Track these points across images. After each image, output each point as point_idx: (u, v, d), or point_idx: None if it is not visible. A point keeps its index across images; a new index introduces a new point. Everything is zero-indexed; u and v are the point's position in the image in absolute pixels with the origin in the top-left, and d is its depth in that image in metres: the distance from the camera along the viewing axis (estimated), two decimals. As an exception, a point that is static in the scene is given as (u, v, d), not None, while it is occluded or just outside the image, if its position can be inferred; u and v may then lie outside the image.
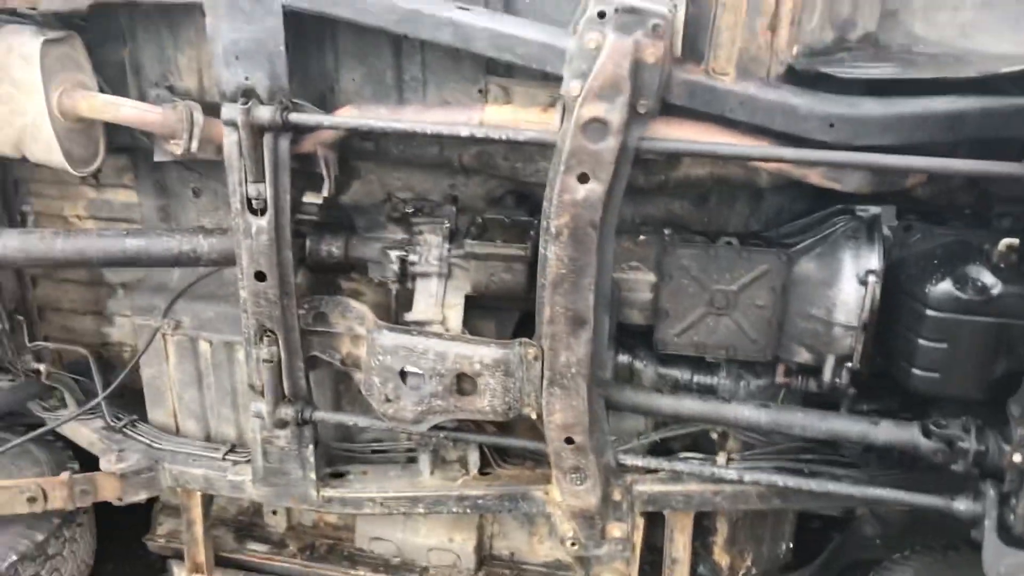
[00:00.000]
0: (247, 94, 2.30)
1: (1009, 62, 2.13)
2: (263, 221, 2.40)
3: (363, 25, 2.26)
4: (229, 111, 2.29)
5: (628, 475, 2.56)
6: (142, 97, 2.60)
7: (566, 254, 2.22)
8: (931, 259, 2.35)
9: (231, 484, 2.85)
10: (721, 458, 2.55)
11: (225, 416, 3.02)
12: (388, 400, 2.50)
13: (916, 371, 2.33)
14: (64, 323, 3.35)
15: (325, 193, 2.49)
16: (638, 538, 2.63)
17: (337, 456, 2.92)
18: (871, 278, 2.31)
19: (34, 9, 2.33)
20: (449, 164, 2.60)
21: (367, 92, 2.50)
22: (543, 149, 2.46)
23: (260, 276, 2.46)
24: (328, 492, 2.77)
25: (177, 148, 2.46)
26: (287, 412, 2.62)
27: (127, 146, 2.75)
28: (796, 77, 2.21)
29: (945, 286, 2.26)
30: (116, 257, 2.62)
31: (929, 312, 2.27)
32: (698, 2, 2.11)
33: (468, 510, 2.71)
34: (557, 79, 2.22)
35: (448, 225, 2.54)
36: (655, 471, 2.57)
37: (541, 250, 2.26)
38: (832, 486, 2.41)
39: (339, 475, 2.83)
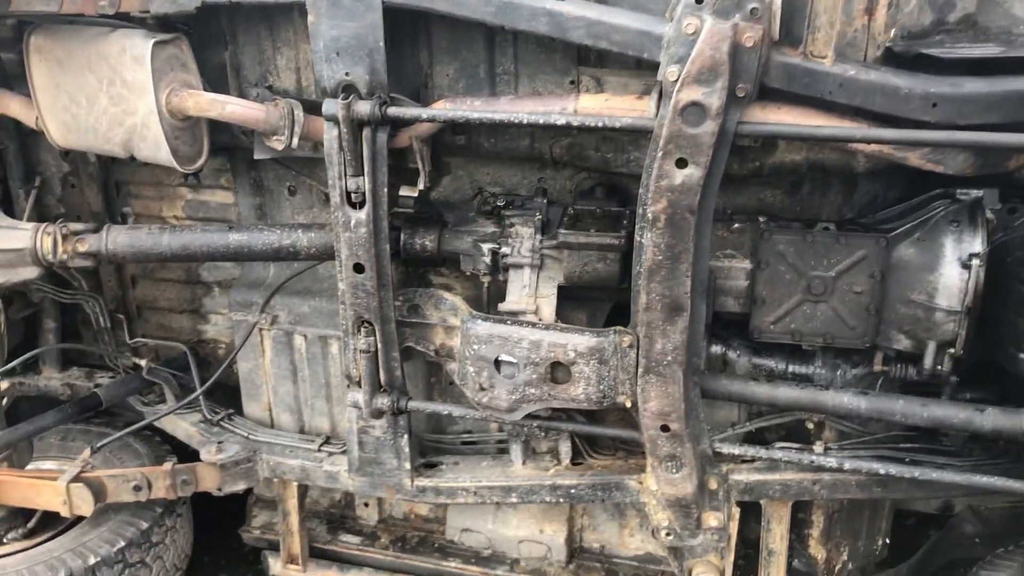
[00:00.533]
0: (347, 89, 2.37)
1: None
2: (362, 214, 2.46)
3: (458, 18, 2.31)
4: (330, 106, 2.36)
5: (724, 464, 2.55)
6: (243, 96, 2.68)
7: (663, 241, 2.23)
8: (1037, 242, 2.30)
9: (327, 474, 2.92)
10: (818, 447, 2.52)
11: (319, 409, 3.09)
12: (482, 389, 2.53)
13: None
14: (161, 321, 3.48)
15: (421, 186, 2.54)
16: (733, 529, 2.59)
17: (428, 447, 2.96)
18: (975, 261, 2.27)
19: (146, 12, 2.43)
20: (539, 157, 2.64)
21: (460, 86, 2.55)
22: (635, 139, 2.49)
23: (359, 268, 2.52)
24: (422, 482, 2.81)
25: (279, 144, 2.54)
26: (383, 402, 2.67)
27: (227, 145, 2.85)
28: (895, 59, 2.19)
29: (1056, 268, 2.21)
30: (219, 252, 2.71)
31: (1038, 295, 2.23)
32: (795, -14, 2.12)
33: (561, 499, 2.72)
34: (650, 67, 2.24)
35: (540, 217, 2.57)
36: (751, 460, 2.56)
37: (637, 237, 2.27)
38: (936, 474, 2.37)
39: (432, 465, 2.87)
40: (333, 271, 2.97)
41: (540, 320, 2.51)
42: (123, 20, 2.53)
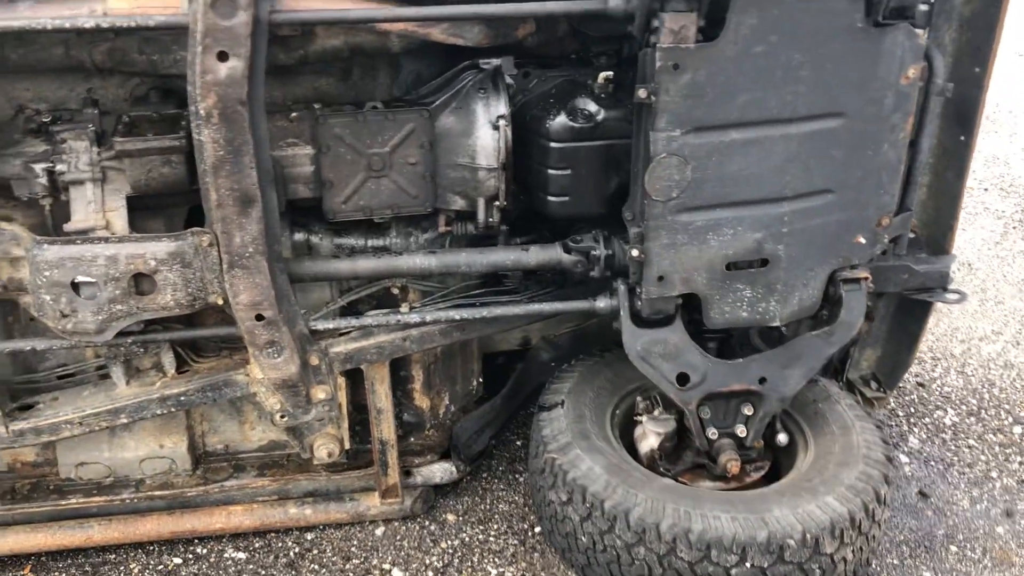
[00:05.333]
0: None
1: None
2: None
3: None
4: None
5: (323, 340, 2.73)
6: None
7: (221, 136, 2.28)
8: (548, 99, 2.70)
9: (-101, 447, 2.65)
10: (404, 307, 2.79)
11: None
12: (64, 316, 2.44)
13: (550, 198, 2.71)
14: None
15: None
16: (343, 398, 2.80)
17: (20, 391, 2.80)
18: (502, 123, 2.62)
19: None
20: (81, 66, 2.52)
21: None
22: (179, 38, 2.47)
23: None
24: (18, 425, 2.67)
25: None
26: (-50, 351, 2.47)
27: None
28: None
29: (561, 119, 2.62)
30: None
31: (552, 144, 2.63)
32: None
33: (172, 409, 2.74)
34: None
35: (93, 128, 2.48)
36: (347, 332, 2.77)
37: (195, 136, 2.30)
38: (500, 310, 2.75)
39: (28, 407, 2.73)
40: None
41: (113, 235, 2.46)
42: None
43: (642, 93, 2.34)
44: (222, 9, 2.15)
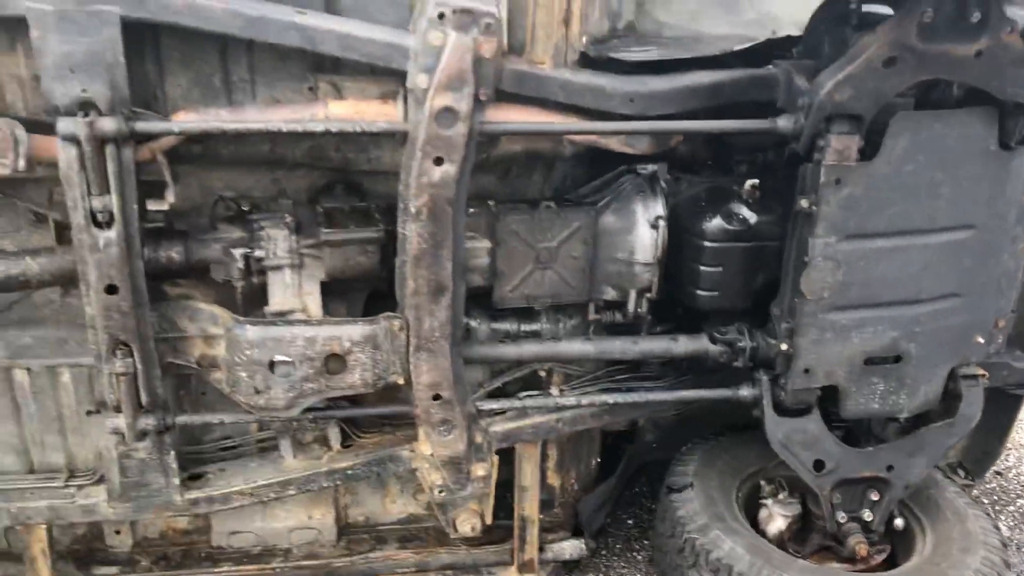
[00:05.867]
0: (85, 106, 2.28)
1: (733, 41, 2.74)
2: (112, 233, 2.38)
3: (206, 32, 2.33)
4: (68, 125, 2.25)
5: (483, 419, 2.89)
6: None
7: (427, 230, 2.49)
8: (699, 203, 2.93)
9: (82, 509, 2.77)
10: (555, 390, 2.97)
11: (52, 444, 2.89)
12: (258, 392, 2.60)
13: (701, 292, 2.92)
14: None
15: (171, 199, 2.51)
16: (494, 474, 2.96)
17: (187, 461, 2.93)
18: (660, 222, 2.84)
19: None
20: (279, 161, 2.73)
21: (195, 96, 2.55)
22: (376, 139, 2.68)
23: (111, 289, 2.44)
24: (192, 494, 2.79)
25: (2, 167, 2.34)
26: (147, 422, 2.62)
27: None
28: (590, 63, 2.65)
29: (717, 222, 2.85)
30: (-66, 290, 2.43)
31: (707, 244, 2.86)
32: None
33: (338, 482, 2.88)
34: (388, 74, 2.49)
35: (291, 218, 2.67)
36: (503, 412, 2.94)
37: (400, 229, 2.51)
38: (651, 396, 2.94)
39: (197, 477, 2.86)
40: (52, 297, 2.82)
41: (310, 317, 2.63)
42: None
43: (804, 203, 2.58)
44: (444, 120, 2.38)
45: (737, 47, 2.70)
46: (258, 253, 2.65)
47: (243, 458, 2.95)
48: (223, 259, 2.67)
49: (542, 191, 3.03)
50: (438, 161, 2.42)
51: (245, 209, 2.73)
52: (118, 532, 3.08)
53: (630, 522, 3.67)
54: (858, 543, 2.97)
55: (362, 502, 3.20)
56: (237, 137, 2.61)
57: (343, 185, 2.83)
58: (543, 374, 3.05)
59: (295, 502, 3.08)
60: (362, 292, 2.85)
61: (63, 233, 2.77)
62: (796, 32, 2.73)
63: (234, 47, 2.52)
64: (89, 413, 2.87)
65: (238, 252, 2.65)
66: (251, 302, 2.74)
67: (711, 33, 3.02)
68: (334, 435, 2.91)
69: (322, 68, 2.59)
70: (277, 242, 2.65)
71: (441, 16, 2.32)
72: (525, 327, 3.00)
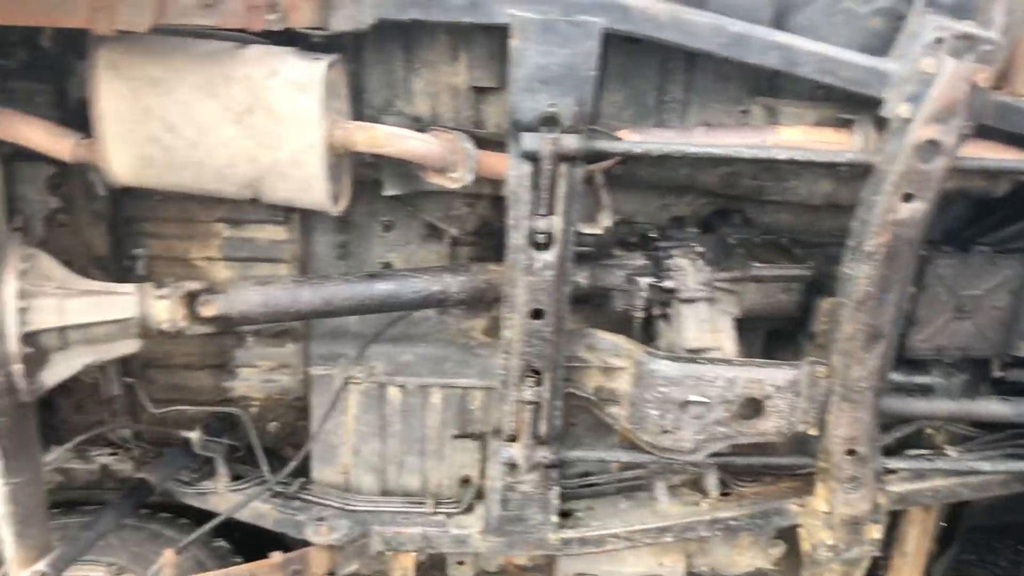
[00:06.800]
0: (548, 122, 2.15)
1: None
2: (549, 256, 2.26)
3: (689, 49, 2.18)
4: (532, 140, 2.13)
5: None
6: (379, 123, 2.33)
7: (878, 272, 2.27)
8: None
9: (454, 539, 2.65)
10: (952, 451, 2.71)
11: (410, 466, 2.79)
12: (665, 432, 2.43)
13: None
14: (174, 380, 2.92)
15: (608, 222, 2.37)
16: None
17: (550, 496, 2.78)
18: (1109, 273, 2.56)
19: (319, 29, 2.03)
20: (688, 186, 2.56)
21: (626, 115, 2.41)
22: (798, 168, 2.49)
23: (537, 314, 2.31)
24: (566, 534, 2.64)
25: (453, 181, 2.24)
26: (542, 455, 2.48)
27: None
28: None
29: None
30: (365, 304, 2.34)
31: None
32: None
33: (718, 532, 2.69)
34: (828, 100, 2.30)
35: (701, 249, 2.50)
36: (896, 471, 2.69)
37: (847, 269, 2.30)
38: (1069, 466, 2.66)
39: (565, 515, 2.70)
40: (428, 314, 2.73)
41: (725, 356, 2.45)
42: (258, 36, 2.08)
43: None
44: (925, 154, 2.16)
45: None
46: (668, 283, 2.48)
47: (606, 497, 2.79)
48: (626, 287, 2.51)
49: (931, 232, 2.79)
50: (907, 197, 2.21)
51: (652, 236, 2.57)
52: (461, 563, 2.95)
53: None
54: None
55: (710, 551, 2.98)
56: (659, 160, 2.46)
57: (740, 215, 2.65)
58: (931, 431, 2.80)
59: (646, 548, 2.89)
60: (759, 331, 2.66)
61: (456, 249, 2.71)
62: None
63: (673, 65, 2.37)
64: (456, 437, 2.76)
65: (644, 281, 2.49)
66: (651, 337, 2.57)
67: None
68: (712, 481, 2.71)
69: (760, 91, 2.42)
70: (689, 273, 2.48)
71: (939, 40, 2.11)
72: (916, 379, 2.75)
